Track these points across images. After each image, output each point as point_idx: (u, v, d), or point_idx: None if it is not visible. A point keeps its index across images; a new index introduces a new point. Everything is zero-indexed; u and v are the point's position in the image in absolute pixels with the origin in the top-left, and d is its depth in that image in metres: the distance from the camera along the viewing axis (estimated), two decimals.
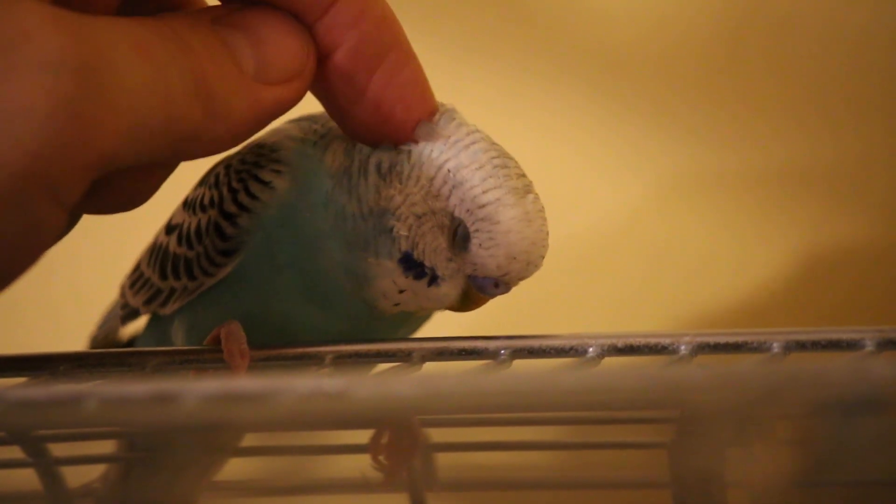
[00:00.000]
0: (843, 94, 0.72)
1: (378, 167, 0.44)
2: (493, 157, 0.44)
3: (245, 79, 0.40)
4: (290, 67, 0.41)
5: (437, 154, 0.44)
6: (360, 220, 0.44)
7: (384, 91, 0.43)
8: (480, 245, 0.44)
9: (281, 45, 0.41)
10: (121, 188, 0.40)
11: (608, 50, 0.74)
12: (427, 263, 0.44)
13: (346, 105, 0.43)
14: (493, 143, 0.44)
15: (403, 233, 0.44)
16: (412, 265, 0.44)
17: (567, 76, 0.74)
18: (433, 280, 0.44)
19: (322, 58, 0.43)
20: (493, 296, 0.45)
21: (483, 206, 0.43)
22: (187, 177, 0.47)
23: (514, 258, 0.44)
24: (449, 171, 0.44)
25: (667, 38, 0.73)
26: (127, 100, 0.37)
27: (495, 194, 0.43)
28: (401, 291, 0.45)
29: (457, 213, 0.44)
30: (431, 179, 0.44)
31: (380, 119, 0.44)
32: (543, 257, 0.44)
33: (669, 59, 0.73)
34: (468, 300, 0.45)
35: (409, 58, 0.43)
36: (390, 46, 0.43)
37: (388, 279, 0.44)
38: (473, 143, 0.44)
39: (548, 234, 0.44)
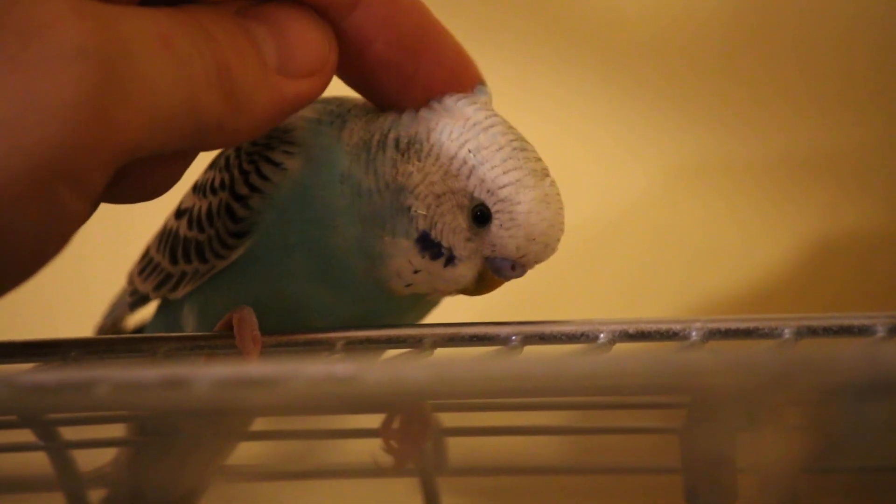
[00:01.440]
0: (849, 81, 0.72)
1: (396, 142, 0.44)
2: (512, 140, 0.44)
3: (268, 71, 0.41)
4: (312, 61, 0.42)
5: (456, 134, 0.44)
6: (377, 195, 0.44)
7: (434, 72, 0.44)
8: (501, 225, 0.44)
9: (304, 39, 0.41)
10: (143, 178, 0.40)
11: (613, 38, 0.74)
12: (444, 243, 0.44)
13: (397, 93, 0.44)
14: (511, 127, 0.44)
15: (422, 212, 0.44)
16: (429, 245, 0.44)
17: (572, 64, 0.74)
18: (450, 260, 0.44)
19: (361, 51, 0.43)
20: (508, 278, 0.45)
21: (503, 186, 0.43)
22: (196, 162, 0.47)
23: (534, 239, 0.44)
24: (469, 151, 0.44)
25: (671, 26, 0.73)
26: (150, 89, 0.37)
27: (515, 175, 0.43)
28: (415, 272, 0.44)
29: (476, 194, 0.44)
30: (451, 159, 0.44)
31: (430, 94, 0.44)
32: (559, 240, 0.44)
33: (675, 48, 0.73)
34: (483, 283, 0.45)
35: (445, 34, 0.44)
36: (427, 28, 0.43)
37: (404, 258, 0.44)
38: (492, 125, 0.44)
39: (564, 217, 0.44)
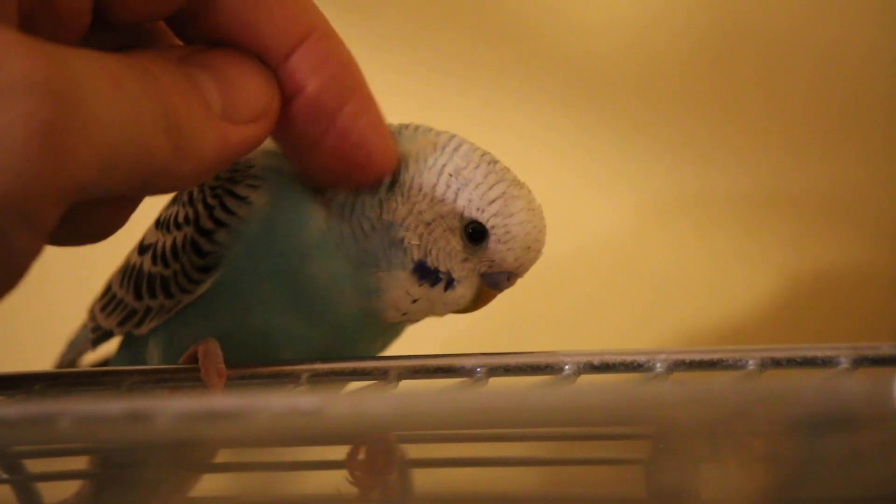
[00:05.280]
0: (827, 116, 0.72)
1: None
2: (483, 154, 0.45)
3: (213, 117, 0.40)
4: (256, 107, 0.41)
5: (431, 161, 0.45)
6: (363, 237, 0.45)
7: (345, 134, 0.43)
8: (499, 240, 0.45)
9: (247, 85, 0.41)
10: (88, 221, 0.40)
11: (589, 68, 0.74)
12: (442, 268, 0.45)
13: (307, 147, 0.44)
14: (471, 142, 0.45)
15: (415, 242, 0.44)
16: (427, 273, 0.45)
17: (546, 95, 0.74)
18: (449, 284, 0.45)
19: (285, 100, 0.42)
20: (502, 290, 0.46)
21: (493, 201, 0.44)
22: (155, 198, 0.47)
23: (529, 248, 0.45)
24: (450, 174, 0.44)
25: (650, 55, 0.73)
26: (101, 129, 0.36)
27: (501, 188, 0.45)
28: (414, 301, 0.45)
29: (467, 214, 0.44)
30: (434, 186, 0.44)
31: (339, 162, 0.44)
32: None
33: (652, 78, 0.73)
34: (479, 299, 0.46)
35: (370, 103, 0.43)
36: (352, 91, 0.43)
37: (401, 290, 0.45)
38: (459, 144, 0.45)
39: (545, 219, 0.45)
